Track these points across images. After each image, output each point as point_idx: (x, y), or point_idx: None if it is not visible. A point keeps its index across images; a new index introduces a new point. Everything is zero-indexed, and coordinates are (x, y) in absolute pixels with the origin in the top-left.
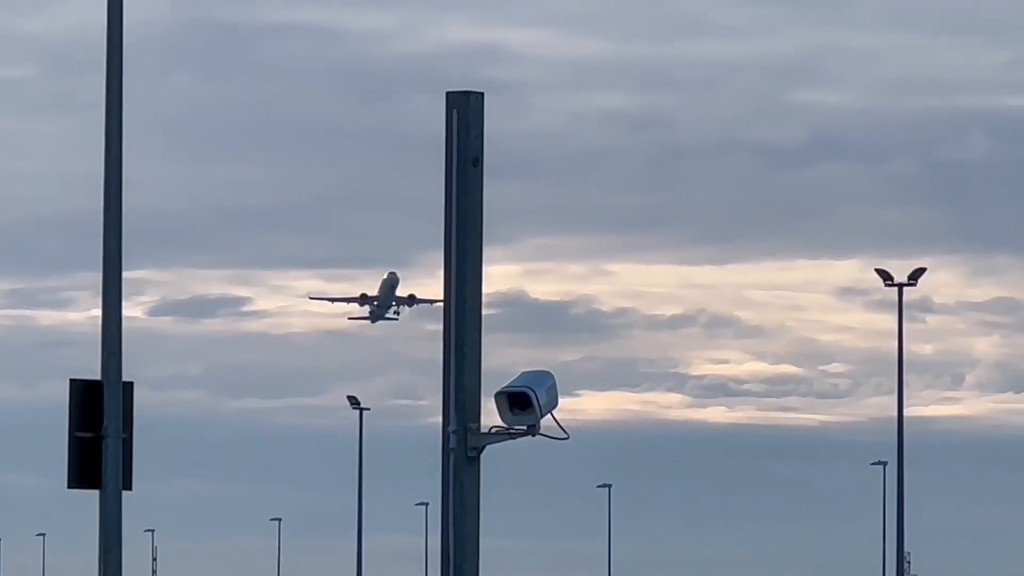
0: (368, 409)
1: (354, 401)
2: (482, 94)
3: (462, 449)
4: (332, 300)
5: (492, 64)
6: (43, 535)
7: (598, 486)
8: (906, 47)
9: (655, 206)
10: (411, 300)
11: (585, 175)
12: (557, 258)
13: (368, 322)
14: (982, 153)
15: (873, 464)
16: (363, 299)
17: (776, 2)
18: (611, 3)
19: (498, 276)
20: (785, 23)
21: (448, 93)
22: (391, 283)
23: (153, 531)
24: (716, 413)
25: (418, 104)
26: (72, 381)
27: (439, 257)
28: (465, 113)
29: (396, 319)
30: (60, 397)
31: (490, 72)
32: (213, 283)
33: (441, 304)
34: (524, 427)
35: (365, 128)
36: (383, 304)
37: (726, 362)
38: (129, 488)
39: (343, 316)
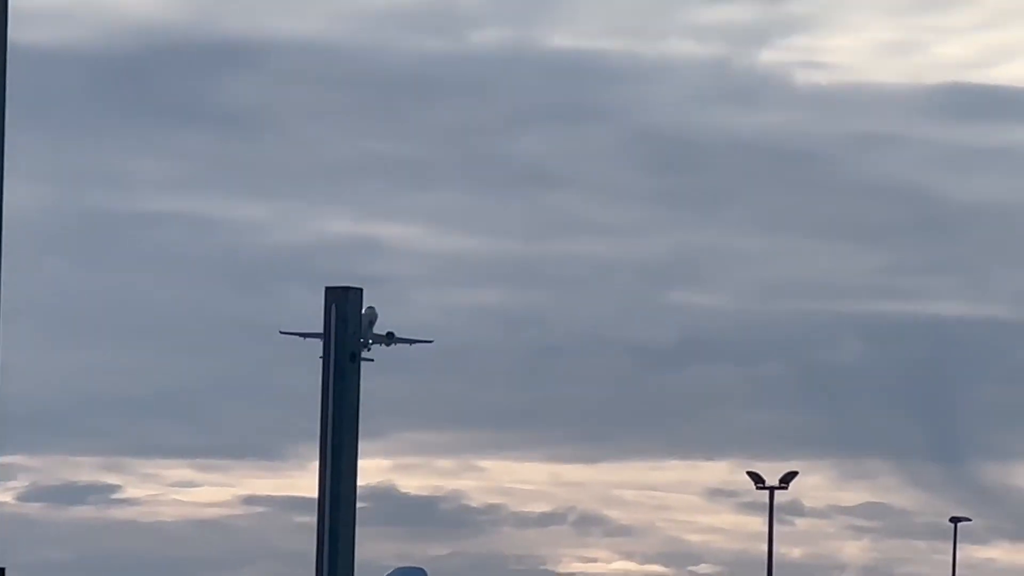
0: None
1: None
2: (361, 290)
3: None
4: (304, 335)
5: (367, 258)
6: None
7: None
8: (780, 250)
9: (526, 403)
10: (390, 338)
11: (457, 371)
12: (427, 453)
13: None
14: (855, 357)
15: None
16: None
17: (651, 202)
18: (486, 200)
19: (368, 469)
20: (660, 223)
21: (327, 288)
22: (369, 318)
23: None
24: None
25: (293, 296)
26: None
27: (311, 450)
28: (344, 308)
29: (372, 360)
30: None
31: (365, 266)
32: (84, 470)
33: (423, 344)
34: None
35: (239, 318)
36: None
37: (595, 560)
38: None
39: (213, 504)
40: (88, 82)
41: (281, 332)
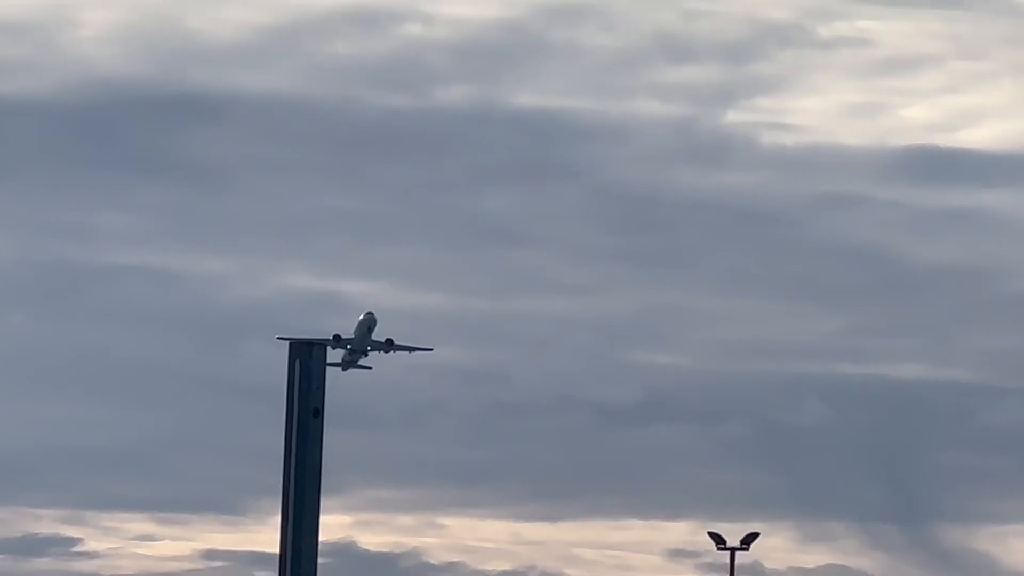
0: None
1: None
2: (324, 346)
3: None
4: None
5: (330, 313)
6: None
7: None
8: (743, 311)
9: (488, 461)
10: (388, 345)
11: (419, 427)
12: (388, 509)
13: (339, 370)
14: (816, 419)
15: None
16: (336, 341)
17: (615, 261)
18: (450, 257)
19: (329, 525)
20: (623, 282)
21: (291, 343)
22: (368, 324)
23: None
24: None
25: (255, 351)
26: None
27: (272, 504)
28: (307, 364)
29: (370, 368)
30: None
31: (328, 321)
32: (45, 522)
33: (421, 351)
34: None
35: (202, 372)
36: (358, 348)
37: None
38: None
39: (173, 558)
40: (52, 134)
41: (279, 338)
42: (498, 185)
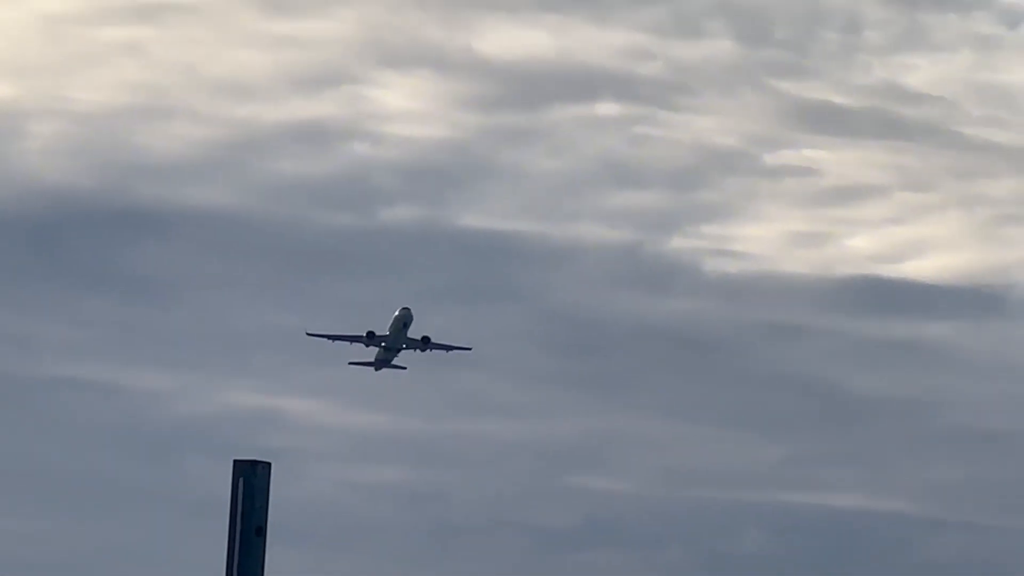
0: None
1: None
2: (269, 464)
3: None
4: (333, 338)
5: (271, 431)
6: None
7: None
8: (684, 437)
9: None
10: (425, 343)
11: (357, 546)
12: None
13: (372, 369)
14: (756, 547)
15: None
16: (370, 338)
17: (557, 384)
18: (390, 378)
19: None
20: (565, 406)
21: (235, 461)
22: (404, 320)
23: None
24: None
25: (197, 465)
26: None
27: None
28: (251, 482)
29: (404, 368)
30: None
31: (269, 439)
32: None
33: (459, 351)
34: None
35: (143, 487)
36: (392, 345)
37: None
38: None
39: None
40: None
41: (308, 334)
42: (442, 305)
